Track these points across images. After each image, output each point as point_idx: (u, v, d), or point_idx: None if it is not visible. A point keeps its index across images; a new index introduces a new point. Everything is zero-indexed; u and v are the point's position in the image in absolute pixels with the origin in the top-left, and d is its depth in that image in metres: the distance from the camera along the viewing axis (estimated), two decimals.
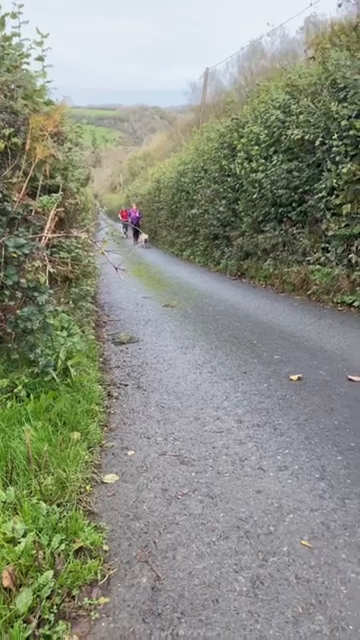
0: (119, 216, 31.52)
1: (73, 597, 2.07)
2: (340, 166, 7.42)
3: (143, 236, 23.47)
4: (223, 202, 12.70)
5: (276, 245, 9.86)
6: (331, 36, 8.85)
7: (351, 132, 7.20)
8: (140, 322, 7.48)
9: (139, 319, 7.70)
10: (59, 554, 2.22)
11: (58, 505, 2.59)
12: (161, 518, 2.63)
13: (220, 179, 12.87)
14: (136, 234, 25.37)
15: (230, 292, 9.97)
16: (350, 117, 7.25)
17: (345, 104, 7.41)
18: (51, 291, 4.09)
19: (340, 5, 10.27)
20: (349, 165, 7.18)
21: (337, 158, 7.55)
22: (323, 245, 8.32)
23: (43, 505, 2.49)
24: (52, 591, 2.04)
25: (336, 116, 7.52)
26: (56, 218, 4.51)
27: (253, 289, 10.23)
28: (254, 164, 10.23)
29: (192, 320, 7.42)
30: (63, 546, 2.27)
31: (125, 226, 30.02)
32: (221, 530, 2.51)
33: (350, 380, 4.54)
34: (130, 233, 29.28)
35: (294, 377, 4.67)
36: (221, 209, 12.82)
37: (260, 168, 10.00)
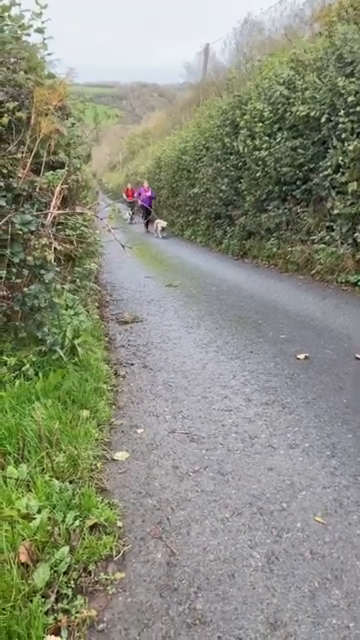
0: (124, 196, 25.22)
1: (89, 572, 2.08)
2: (346, 143, 7.29)
3: (160, 223, 17.54)
4: (225, 181, 12.53)
5: (280, 224, 9.76)
6: (338, 9, 8.61)
7: (358, 108, 7.05)
8: (143, 302, 7.44)
9: (142, 299, 7.66)
10: (74, 530, 2.23)
11: (70, 482, 2.59)
12: (173, 495, 2.64)
13: (222, 157, 12.67)
14: (147, 218, 20.40)
15: (233, 272, 9.91)
16: (357, 93, 7.09)
17: (352, 79, 7.25)
18: (57, 269, 4.05)
19: None
20: (355, 142, 7.06)
21: (343, 135, 7.41)
22: (328, 224, 8.23)
23: (56, 482, 2.50)
24: (69, 566, 2.05)
25: (342, 92, 7.35)
26: (61, 195, 4.43)
27: (256, 269, 10.17)
28: (257, 142, 10.06)
29: (196, 300, 7.39)
30: (77, 522, 2.28)
31: (131, 208, 24.80)
32: (234, 507, 2.52)
33: (358, 359, 4.52)
34: (138, 217, 24.00)
35: (301, 356, 4.66)
36: (223, 188, 12.65)
37: (264, 146, 9.83)
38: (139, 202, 20.52)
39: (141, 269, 10.67)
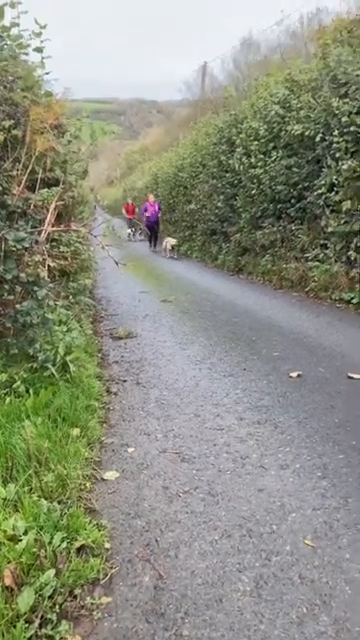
0: (123, 212, 23.54)
1: (75, 596, 2.05)
2: (340, 162, 7.39)
3: (170, 241, 15.68)
4: (221, 197, 12.65)
5: (274, 241, 9.83)
6: (333, 31, 8.78)
7: (352, 128, 7.16)
8: (138, 317, 7.44)
9: (137, 314, 7.66)
10: (61, 552, 2.19)
11: (59, 502, 2.56)
12: (162, 516, 2.61)
13: (218, 174, 12.81)
14: (153, 237, 18.24)
15: (228, 288, 9.94)
16: (351, 113, 7.21)
17: (346, 100, 7.37)
18: (51, 285, 4.05)
19: None
20: (349, 162, 7.15)
21: (337, 154, 7.51)
22: (322, 242, 8.30)
23: (44, 502, 2.47)
24: (54, 590, 2.01)
25: (337, 112, 7.47)
26: (55, 212, 4.46)
27: (251, 285, 10.21)
28: (253, 160, 10.19)
29: (190, 316, 7.39)
30: (64, 544, 2.24)
31: (131, 225, 22.70)
32: (223, 529, 2.49)
33: (350, 378, 4.53)
34: (138, 235, 22.82)
35: (294, 374, 4.65)
36: (219, 204, 12.77)
37: (259, 164, 9.95)
38: (143, 219, 18.23)
39: (136, 284, 10.69)
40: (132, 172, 42.07)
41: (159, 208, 18.09)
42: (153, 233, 18.16)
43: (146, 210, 17.94)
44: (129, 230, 22.71)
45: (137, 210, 22.12)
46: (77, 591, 2.07)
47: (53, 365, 3.80)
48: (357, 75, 7.29)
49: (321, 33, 9.12)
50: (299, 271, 8.79)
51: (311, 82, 8.76)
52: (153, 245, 18.26)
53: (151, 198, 18.22)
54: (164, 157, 23.52)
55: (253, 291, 9.45)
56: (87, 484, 2.85)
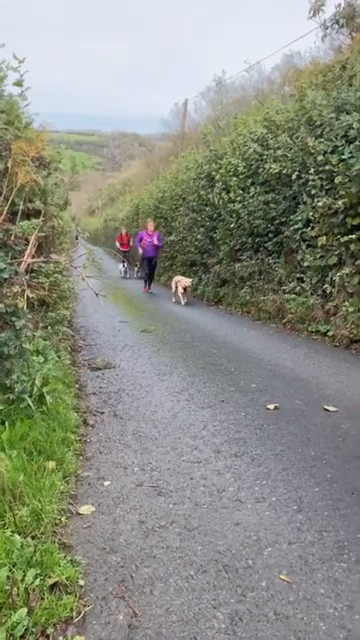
0: (117, 244, 20.71)
1: (47, 636, 2.00)
2: (316, 199, 7.63)
3: (182, 281, 12.28)
4: (201, 230, 12.89)
5: (252, 273, 10.02)
6: (308, 75, 9.19)
7: (327, 167, 7.43)
8: (117, 347, 7.44)
9: (116, 344, 7.66)
10: (34, 590, 2.16)
11: (33, 538, 2.52)
12: (138, 551, 2.59)
13: (198, 208, 13.07)
14: (150, 275, 15.22)
15: (207, 319, 10.03)
16: (326, 152, 7.49)
17: (321, 140, 7.67)
18: (29, 315, 4.05)
19: (323, 37, 10.87)
20: (325, 199, 7.39)
21: (313, 192, 7.77)
22: (298, 275, 8.49)
23: (17, 538, 2.43)
24: (26, 630, 1.97)
25: (312, 151, 7.76)
26: (36, 243, 4.49)
27: (230, 316, 10.32)
28: (232, 195, 10.45)
29: (170, 346, 7.42)
30: (38, 581, 2.20)
31: (125, 259, 19.82)
32: (199, 564, 2.48)
33: (326, 410, 4.58)
34: (132, 271, 20.10)
35: (271, 406, 4.69)
36: (199, 237, 12.99)
37: (238, 199, 10.21)
38: (140, 252, 15.16)
39: (116, 314, 10.71)
40: (114, 203, 42.58)
41: (159, 239, 14.77)
42: (150, 270, 15.18)
43: (141, 240, 14.82)
44: (121, 265, 20.36)
45: (132, 242, 19.63)
46: (50, 630, 2.02)
47: (30, 396, 3.77)
48: (331, 117, 7.60)
49: (298, 75, 9.53)
50: (276, 303, 8.95)
51: (288, 122, 9.10)
52: (148, 285, 15.28)
53: (150, 226, 14.81)
54: (145, 189, 23.93)
55: (232, 322, 9.55)
56: (62, 519, 2.81)
